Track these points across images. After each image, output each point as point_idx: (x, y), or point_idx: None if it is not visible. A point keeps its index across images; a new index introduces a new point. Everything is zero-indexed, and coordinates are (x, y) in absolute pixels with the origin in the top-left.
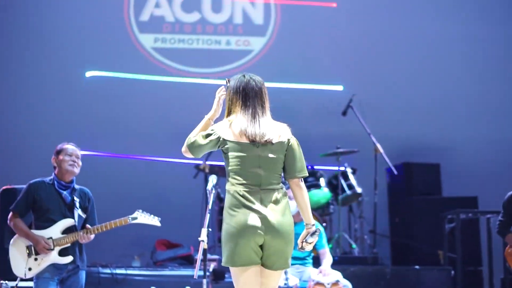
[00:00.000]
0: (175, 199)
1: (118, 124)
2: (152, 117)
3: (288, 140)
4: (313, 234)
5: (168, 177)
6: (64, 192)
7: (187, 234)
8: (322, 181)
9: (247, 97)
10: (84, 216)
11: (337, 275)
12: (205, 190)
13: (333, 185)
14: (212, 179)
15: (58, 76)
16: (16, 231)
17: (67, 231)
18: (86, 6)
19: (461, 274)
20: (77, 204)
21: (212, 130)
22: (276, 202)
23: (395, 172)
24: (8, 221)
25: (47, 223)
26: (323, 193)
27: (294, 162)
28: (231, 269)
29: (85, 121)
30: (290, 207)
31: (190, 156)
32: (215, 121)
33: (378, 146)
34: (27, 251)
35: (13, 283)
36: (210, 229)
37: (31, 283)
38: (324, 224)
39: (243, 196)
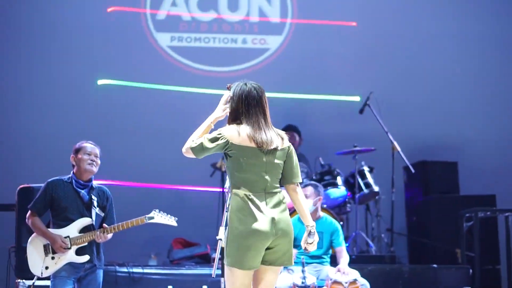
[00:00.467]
0: (192, 198)
1: (136, 127)
2: (169, 120)
3: (288, 147)
4: (310, 233)
5: (185, 176)
6: (82, 191)
7: (203, 232)
8: (339, 180)
9: (250, 105)
10: (102, 214)
11: (355, 274)
12: (222, 189)
13: (350, 184)
14: None
15: (73, 76)
16: (34, 229)
17: (84, 230)
18: (102, 5)
19: (479, 272)
20: (95, 203)
21: (219, 134)
22: (279, 203)
23: (413, 171)
24: (26, 220)
25: (65, 221)
26: (340, 191)
27: (292, 168)
28: (231, 269)
29: (99, 122)
30: (304, 206)
31: (191, 156)
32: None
33: (395, 144)
34: (44, 250)
35: (30, 282)
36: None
37: (48, 282)
38: (341, 222)
39: (251, 200)
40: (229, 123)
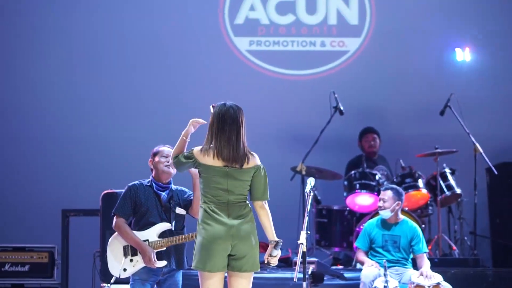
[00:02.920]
0: (272, 202)
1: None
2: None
3: (255, 167)
4: (275, 246)
5: None
6: (163, 194)
7: (284, 236)
8: (420, 182)
9: (225, 123)
10: (184, 213)
11: (438, 278)
12: (302, 192)
13: (432, 186)
14: (310, 182)
15: (152, 82)
16: (123, 236)
17: (163, 234)
18: (181, 11)
19: None
20: (174, 205)
21: (190, 153)
22: (241, 214)
23: (495, 172)
24: (113, 226)
25: (145, 225)
26: (422, 194)
27: (258, 187)
28: (199, 273)
29: (179, 126)
30: (269, 223)
31: (175, 170)
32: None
33: (477, 145)
34: (124, 252)
35: (115, 286)
36: (308, 232)
37: (125, 286)
38: (422, 225)
39: (213, 211)
40: (206, 140)
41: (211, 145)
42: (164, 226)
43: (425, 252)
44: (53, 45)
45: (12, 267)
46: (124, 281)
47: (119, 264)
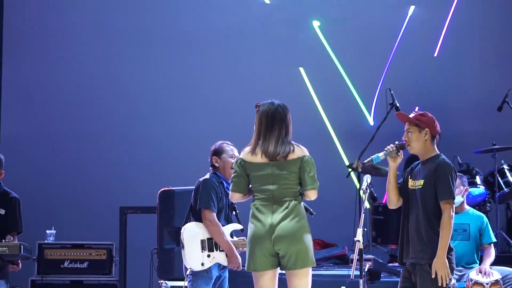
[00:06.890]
0: (328, 199)
1: None
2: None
3: (301, 157)
4: None
5: (320, 177)
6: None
7: (341, 233)
8: (478, 179)
9: (267, 121)
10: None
11: (496, 275)
12: (358, 190)
13: (490, 183)
14: (366, 179)
15: (215, 81)
16: (216, 235)
17: (231, 234)
18: (275, 11)
19: None
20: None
21: (236, 159)
22: (286, 211)
23: None
24: (208, 220)
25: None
26: (479, 190)
27: (303, 178)
28: (252, 273)
29: (237, 125)
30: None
31: (237, 198)
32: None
33: None
34: (201, 245)
35: (172, 283)
36: (365, 229)
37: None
38: None
39: (257, 209)
40: (253, 138)
41: (253, 143)
42: (236, 227)
43: (493, 242)
44: (110, 43)
45: (71, 264)
46: (179, 278)
47: (197, 257)
